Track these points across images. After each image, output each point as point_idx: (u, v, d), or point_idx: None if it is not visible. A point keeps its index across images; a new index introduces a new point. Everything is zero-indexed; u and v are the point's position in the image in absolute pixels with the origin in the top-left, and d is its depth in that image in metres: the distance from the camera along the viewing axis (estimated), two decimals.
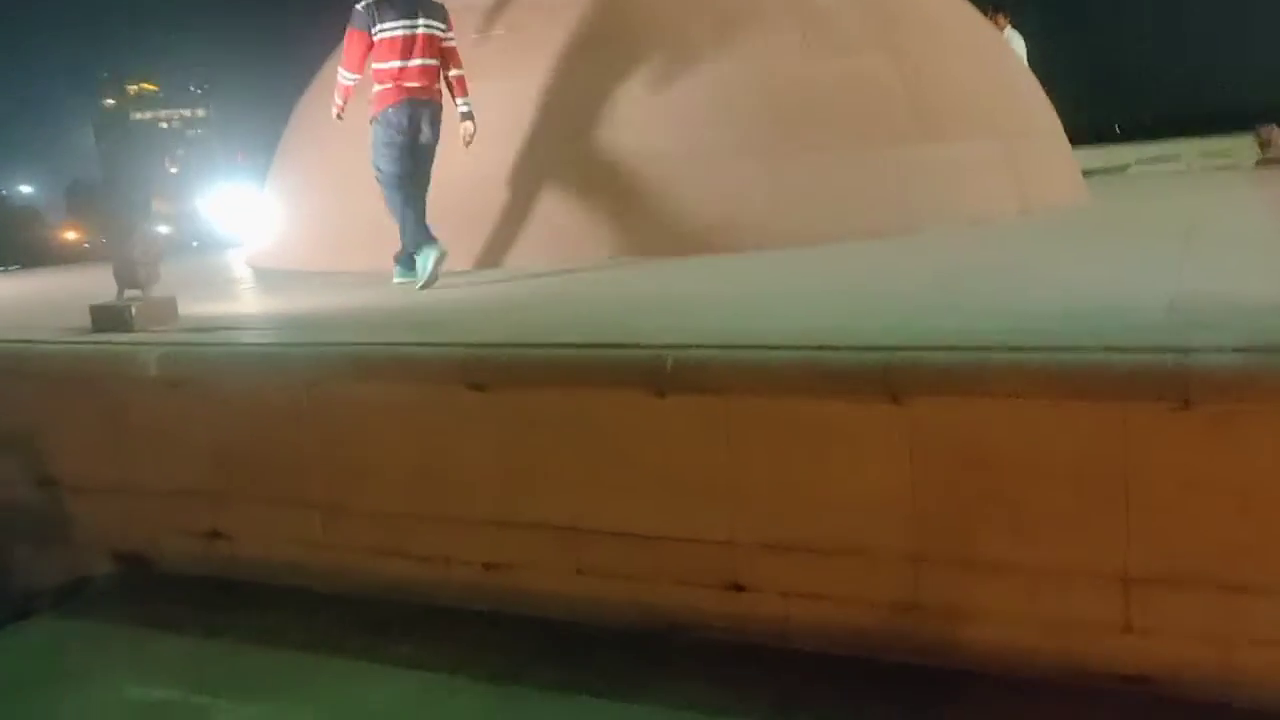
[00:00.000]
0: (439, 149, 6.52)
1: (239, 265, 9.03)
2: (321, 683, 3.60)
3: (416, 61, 6.39)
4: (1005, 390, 3.09)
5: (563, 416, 3.73)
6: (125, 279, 5.35)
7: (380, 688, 3.53)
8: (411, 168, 6.46)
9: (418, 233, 6.49)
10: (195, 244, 13.82)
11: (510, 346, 3.89)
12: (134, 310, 5.19)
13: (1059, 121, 8.61)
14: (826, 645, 3.41)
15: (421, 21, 6.43)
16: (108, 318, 5.25)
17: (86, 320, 5.21)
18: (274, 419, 4.30)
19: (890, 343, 3.31)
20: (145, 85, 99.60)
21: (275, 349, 4.60)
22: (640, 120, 7.00)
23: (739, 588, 3.54)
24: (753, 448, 3.45)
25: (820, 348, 3.34)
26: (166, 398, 4.52)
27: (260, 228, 8.81)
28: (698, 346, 3.55)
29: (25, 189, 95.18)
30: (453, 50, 6.58)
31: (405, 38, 6.38)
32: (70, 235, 78.77)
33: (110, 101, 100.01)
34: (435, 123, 6.49)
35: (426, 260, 6.34)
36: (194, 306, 5.79)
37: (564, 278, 6.33)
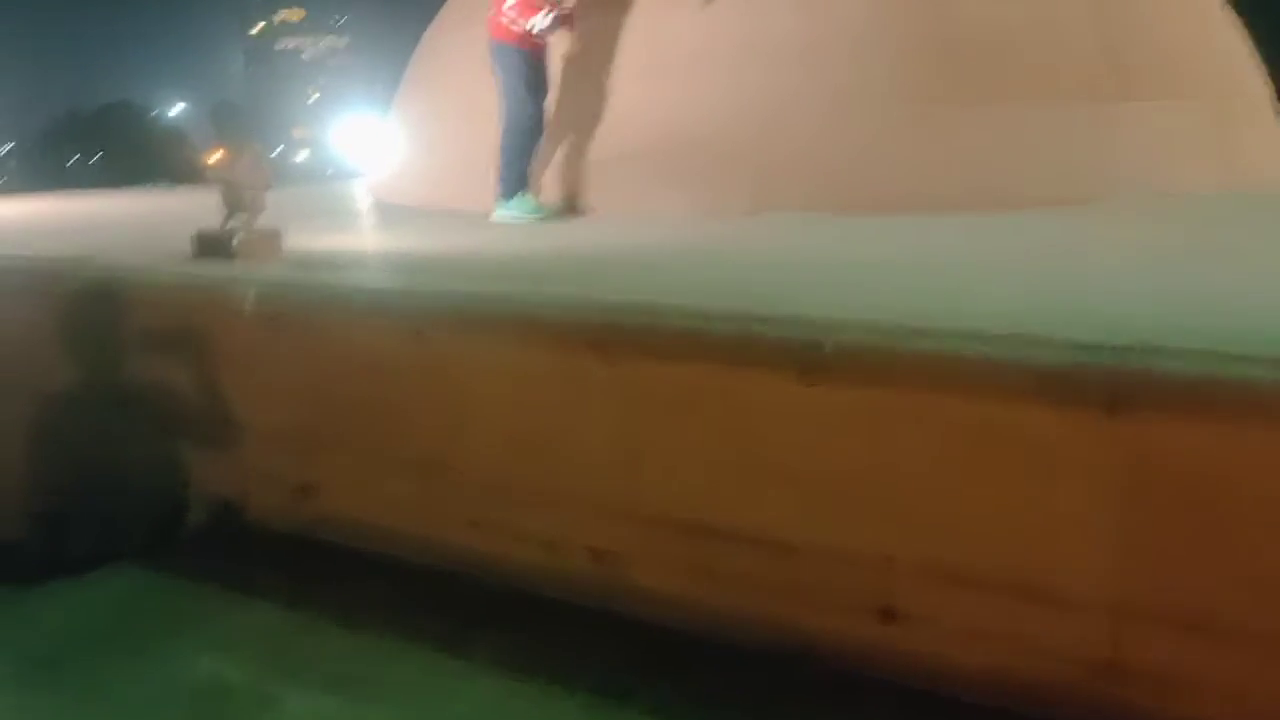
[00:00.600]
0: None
1: (362, 197, 8.70)
2: (401, 676, 3.19)
3: None
4: (1263, 414, 2.43)
5: (697, 397, 3.19)
6: (232, 203, 5.00)
7: (465, 689, 3.10)
8: None
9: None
10: (330, 171, 13.67)
11: (644, 313, 3.36)
12: (237, 240, 4.84)
13: (1271, 88, 7.58)
14: (989, 698, 2.83)
15: None
16: (210, 245, 4.92)
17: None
18: (372, 369, 3.88)
19: (1109, 339, 2.67)
20: (290, 14, 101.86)
21: (379, 292, 4.18)
22: (790, 55, 6.33)
23: (890, 615, 2.98)
24: (921, 454, 2.86)
25: (1024, 341, 2.71)
26: (261, 337, 4.14)
27: (384, 160, 8.45)
28: (863, 328, 2.97)
29: (177, 107, 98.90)
30: None
31: None
32: (217, 155, 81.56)
33: (257, 29, 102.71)
34: None
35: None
36: (304, 239, 5.42)
37: (698, 231, 5.77)
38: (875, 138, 6.21)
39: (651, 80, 6.56)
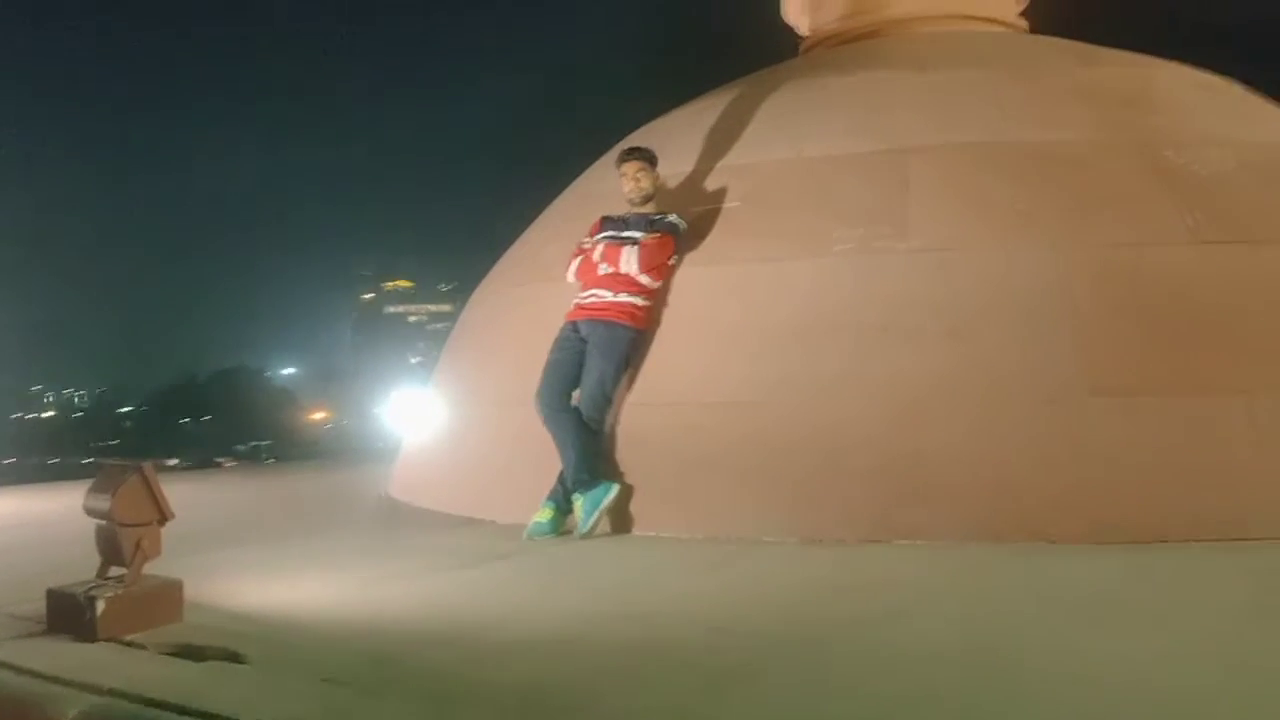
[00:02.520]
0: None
1: (380, 490, 7.06)
2: None
3: None
4: None
5: None
6: (107, 548, 3.36)
7: None
8: None
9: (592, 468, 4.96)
10: (379, 445, 12.35)
11: None
12: (100, 605, 3.16)
13: None
14: None
15: None
16: (63, 612, 3.25)
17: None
18: None
19: None
20: (400, 282, 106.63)
21: None
22: (931, 330, 4.65)
23: None
24: None
25: None
26: None
27: (411, 446, 6.88)
28: None
29: (287, 371, 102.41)
30: None
31: None
32: (318, 415, 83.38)
33: (368, 296, 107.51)
34: None
35: (603, 496, 4.87)
36: (245, 583, 3.75)
37: (808, 571, 3.94)
38: (1043, 438, 4.40)
39: (733, 359, 4.94)
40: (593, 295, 5.19)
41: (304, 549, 4.93)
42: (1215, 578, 3.65)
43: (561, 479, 4.98)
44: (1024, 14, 7.67)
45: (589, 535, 4.79)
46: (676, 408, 4.98)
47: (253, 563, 4.50)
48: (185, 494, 7.82)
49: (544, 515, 4.92)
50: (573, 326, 5.22)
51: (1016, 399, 4.47)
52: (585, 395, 5.05)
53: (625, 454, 5.02)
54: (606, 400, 5.05)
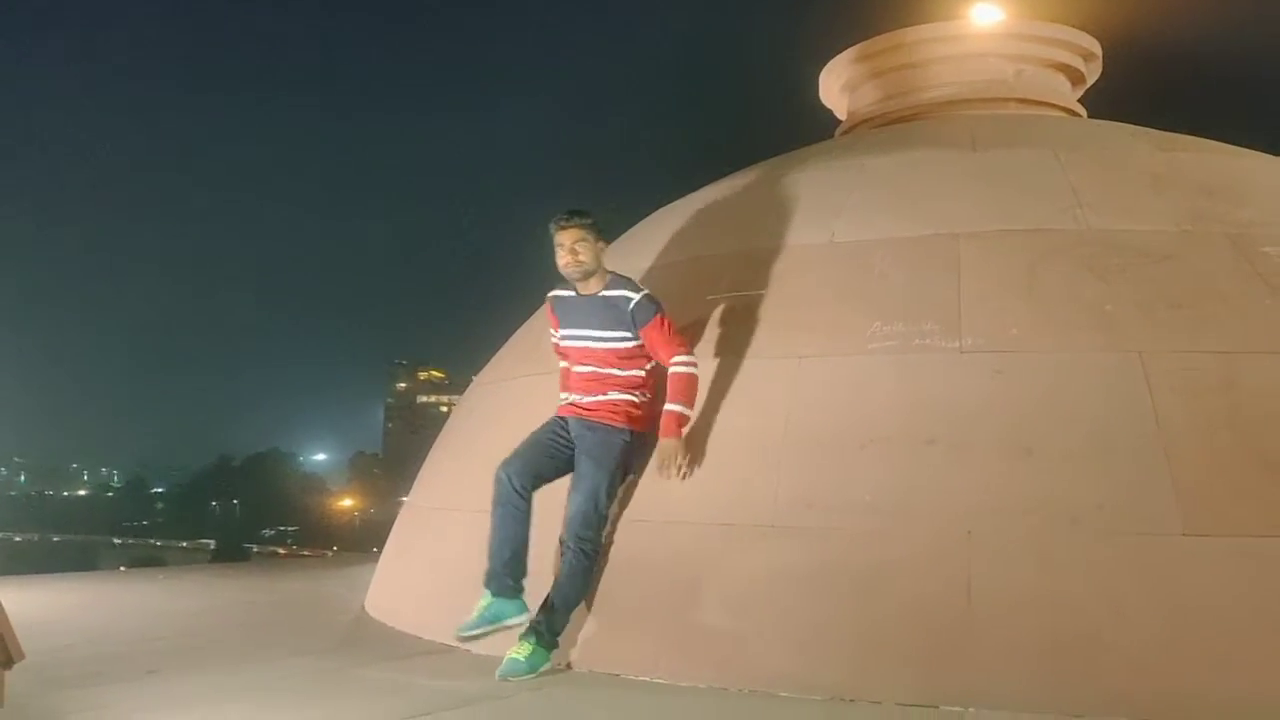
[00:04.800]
0: None
1: (355, 601, 6.30)
2: None
3: None
4: None
5: None
6: None
7: None
8: None
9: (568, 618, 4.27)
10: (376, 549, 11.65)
11: None
12: None
13: None
14: None
15: None
16: None
17: None
18: None
19: None
20: (434, 372, 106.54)
21: None
22: (985, 444, 3.89)
23: None
24: None
25: None
26: None
27: (387, 557, 6.13)
28: None
29: (319, 456, 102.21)
30: None
31: None
32: (347, 502, 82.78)
33: (402, 385, 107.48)
34: None
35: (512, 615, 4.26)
36: None
37: None
38: (1126, 584, 3.58)
39: (747, 472, 4.19)
40: (582, 394, 4.50)
41: (240, 678, 4.19)
42: None
43: (543, 606, 4.21)
44: (1082, 101, 7.08)
45: (465, 639, 4.25)
46: (678, 527, 4.21)
47: (172, 696, 3.78)
48: (152, 597, 7.20)
49: (520, 651, 4.14)
50: (561, 423, 4.50)
51: (1092, 534, 3.66)
52: (575, 511, 4.27)
53: (611, 577, 4.26)
54: (601, 518, 4.29)
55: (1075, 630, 3.53)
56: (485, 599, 4.23)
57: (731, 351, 4.53)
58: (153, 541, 75.32)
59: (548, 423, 4.52)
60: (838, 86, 7.16)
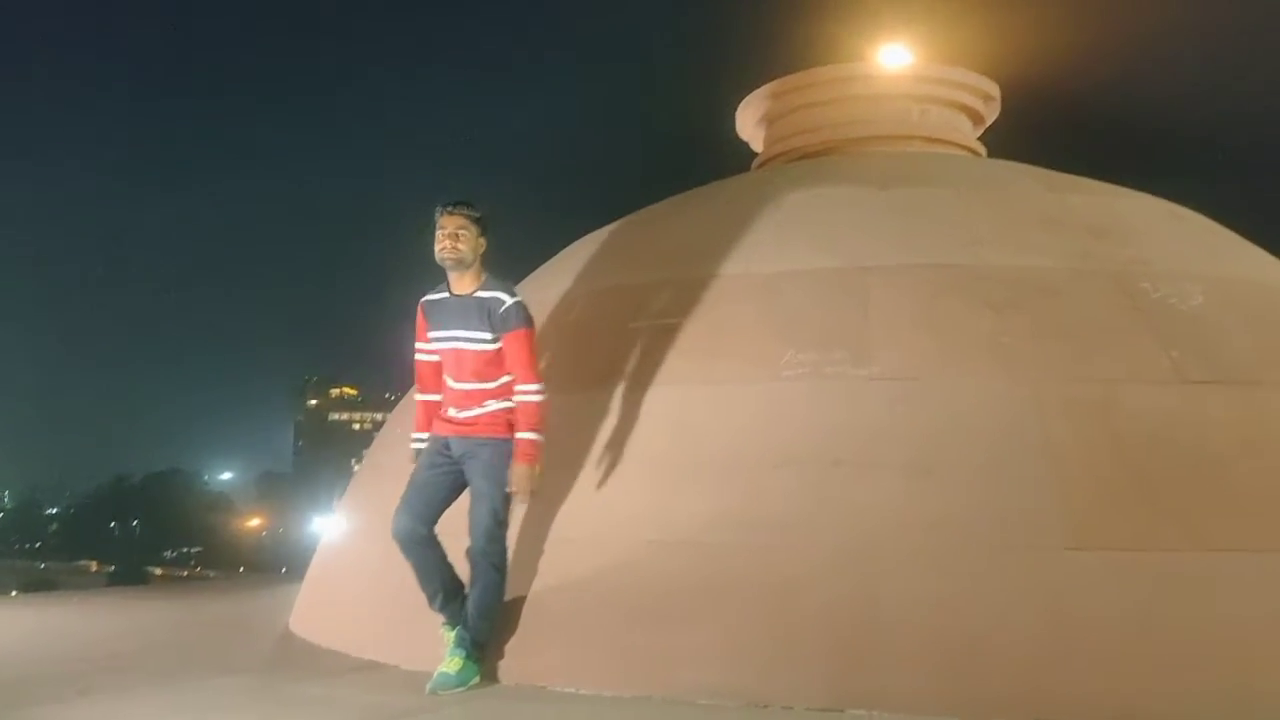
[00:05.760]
0: None
1: (278, 621, 6.35)
2: None
3: None
4: None
5: None
6: None
7: None
8: None
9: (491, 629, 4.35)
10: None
11: None
12: None
13: None
14: None
15: None
16: None
17: None
18: None
19: None
20: (347, 389, 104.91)
21: None
22: (889, 465, 4.17)
23: None
24: None
25: None
26: None
27: (313, 575, 6.21)
28: None
29: (225, 475, 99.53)
30: None
31: None
32: (254, 522, 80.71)
33: (314, 402, 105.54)
34: None
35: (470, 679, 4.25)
36: None
37: None
38: (1017, 596, 3.89)
39: (667, 492, 4.41)
40: (458, 409, 4.45)
41: (172, 697, 4.25)
42: None
43: (464, 623, 4.33)
44: (982, 139, 7.50)
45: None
46: (602, 545, 4.40)
47: (108, 716, 3.84)
48: (69, 620, 7.12)
49: (451, 665, 4.27)
50: (443, 443, 4.45)
51: (986, 548, 3.97)
52: (477, 528, 4.31)
53: (537, 593, 4.42)
54: (503, 528, 4.34)
55: (968, 638, 3.82)
56: (459, 654, 4.25)
57: (652, 377, 4.75)
58: (38, 565, 71.71)
59: (427, 452, 4.49)
60: (753, 121, 7.46)
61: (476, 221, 4.39)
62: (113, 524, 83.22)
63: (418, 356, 4.63)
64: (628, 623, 4.22)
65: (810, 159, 6.84)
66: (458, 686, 4.21)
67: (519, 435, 4.30)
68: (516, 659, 4.37)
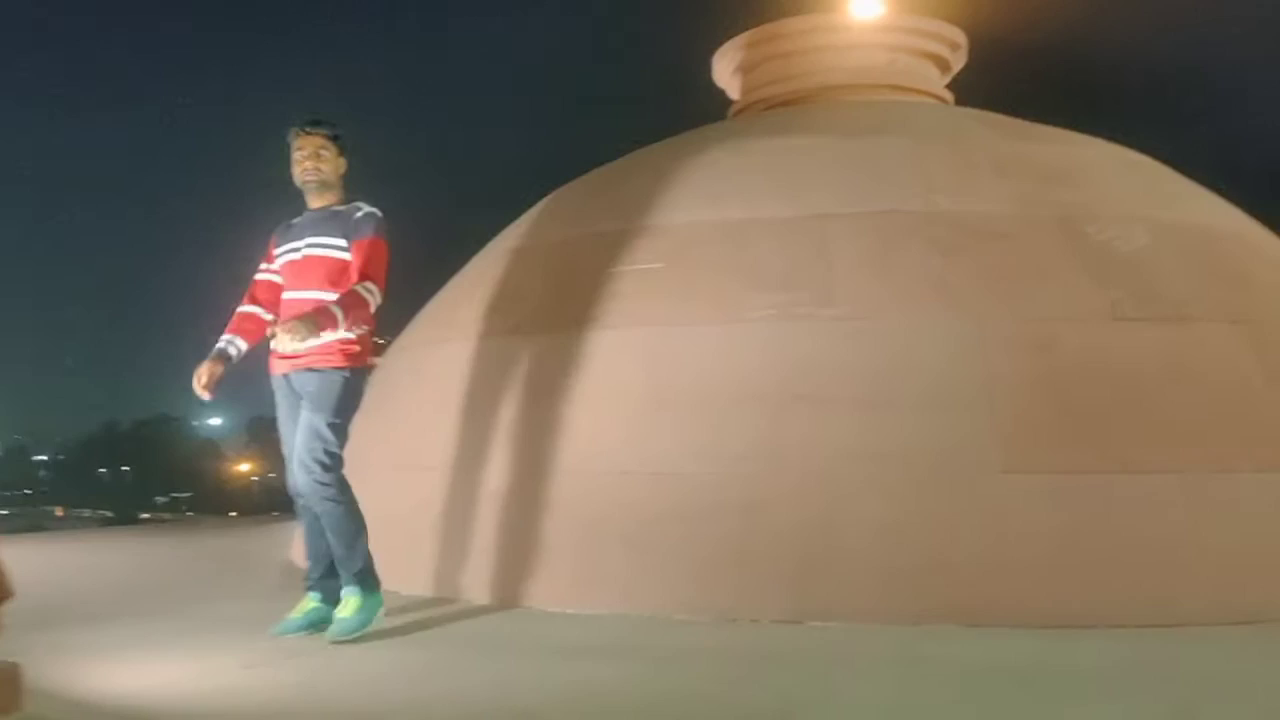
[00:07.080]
0: None
1: (287, 550, 6.72)
2: None
3: None
4: None
5: None
6: None
7: None
8: None
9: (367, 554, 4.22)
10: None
11: None
12: None
13: None
14: None
15: None
16: None
17: None
18: None
19: None
20: None
21: None
22: (844, 400, 4.53)
23: None
24: None
25: None
26: None
27: None
28: None
29: (214, 421, 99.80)
30: None
31: None
32: (244, 468, 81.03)
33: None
34: None
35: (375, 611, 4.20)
36: (102, 664, 3.44)
37: (718, 659, 3.73)
38: (959, 516, 4.28)
39: (639, 426, 4.76)
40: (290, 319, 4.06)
41: (181, 623, 4.61)
42: (1147, 666, 3.52)
43: (341, 566, 4.15)
44: (950, 87, 7.74)
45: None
46: (578, 475, 4.76)
47: (118, 641, 4.17)
48: (71, 556, 7.47)
49: (346, 609, 4.08)
50: (286, 381, 4.22)
51: (931, 474, 4.35)
52: (298, 463, 4.07)
53: (522, 522, 4.79)
54: (332, 457, 4.08)
55: (915, 554, 4.21)
56: (353, 597, 4.09)
57: (626, 319, 5.08)
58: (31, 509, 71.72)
59: (278, 402, 4.29)
60: (730, 70, 7.70)
61: (336, 140, 4.21)
62: (102, 470, 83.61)
63: (257, 276, 4.42)
64: (606, 547, 4.60)
65: (781, 108, 7.10)
66: (361, 627, 4.03)
67: (328, 304, 4.03)
68: (502, 581, 4.75)
